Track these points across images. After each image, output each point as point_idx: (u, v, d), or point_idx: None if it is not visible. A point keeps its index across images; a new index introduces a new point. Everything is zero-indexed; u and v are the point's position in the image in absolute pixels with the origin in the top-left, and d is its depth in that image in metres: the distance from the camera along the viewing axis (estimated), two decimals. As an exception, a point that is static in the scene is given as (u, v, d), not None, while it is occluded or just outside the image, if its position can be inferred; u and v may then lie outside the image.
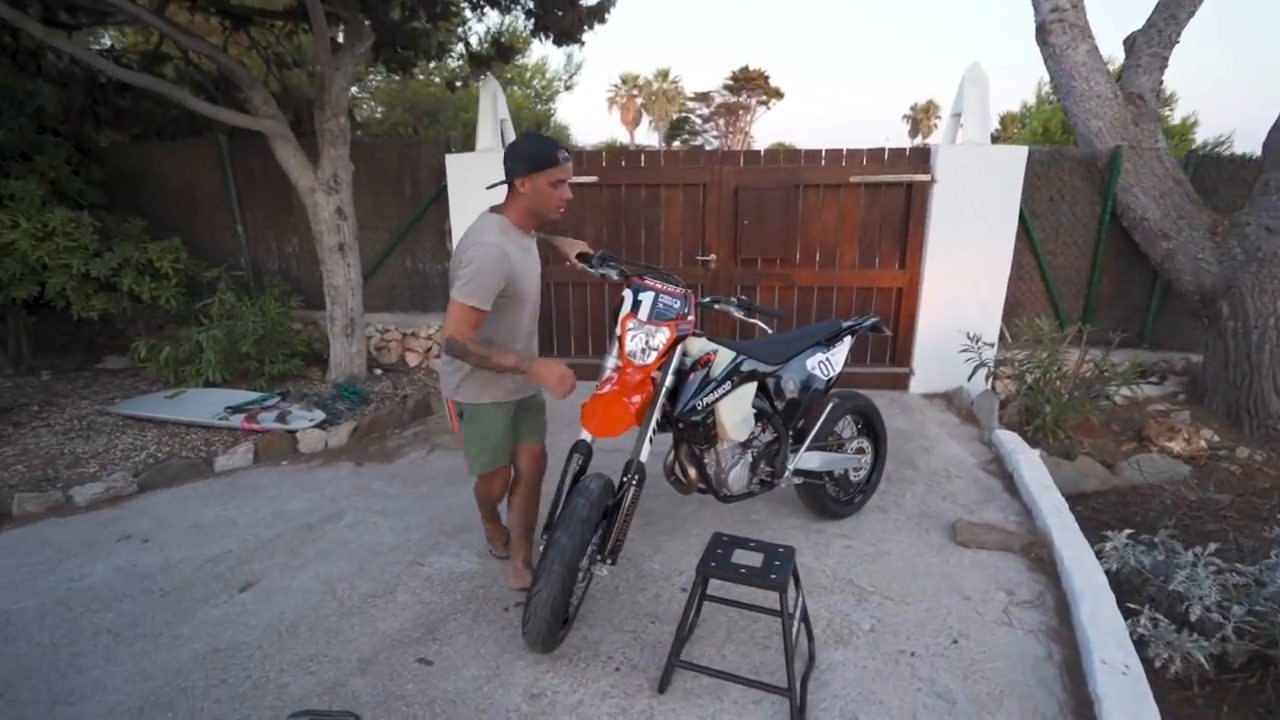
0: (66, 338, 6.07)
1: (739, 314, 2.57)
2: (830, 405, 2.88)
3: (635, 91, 37.11)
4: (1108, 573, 2.56)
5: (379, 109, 14.50)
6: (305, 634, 2.32)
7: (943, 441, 3.98)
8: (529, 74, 16.27)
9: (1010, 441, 3.72)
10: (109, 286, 4.82)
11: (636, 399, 2.27)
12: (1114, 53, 7.13)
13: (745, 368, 2.49)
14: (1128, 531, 2.66)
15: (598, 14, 4.88)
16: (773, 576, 1.84)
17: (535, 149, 2.10)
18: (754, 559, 1.93)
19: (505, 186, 2.17)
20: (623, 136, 35.02)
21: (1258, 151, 4.27)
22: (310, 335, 5.50)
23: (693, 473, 2.63)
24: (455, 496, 3.37)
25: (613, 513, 2.24)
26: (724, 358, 2.46)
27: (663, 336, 2.28)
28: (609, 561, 2.28)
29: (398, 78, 8.64)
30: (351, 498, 3.39)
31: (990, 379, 4.45)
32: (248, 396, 4.41)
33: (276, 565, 2.74)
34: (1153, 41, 4.77)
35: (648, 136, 37.19)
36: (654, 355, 2.28)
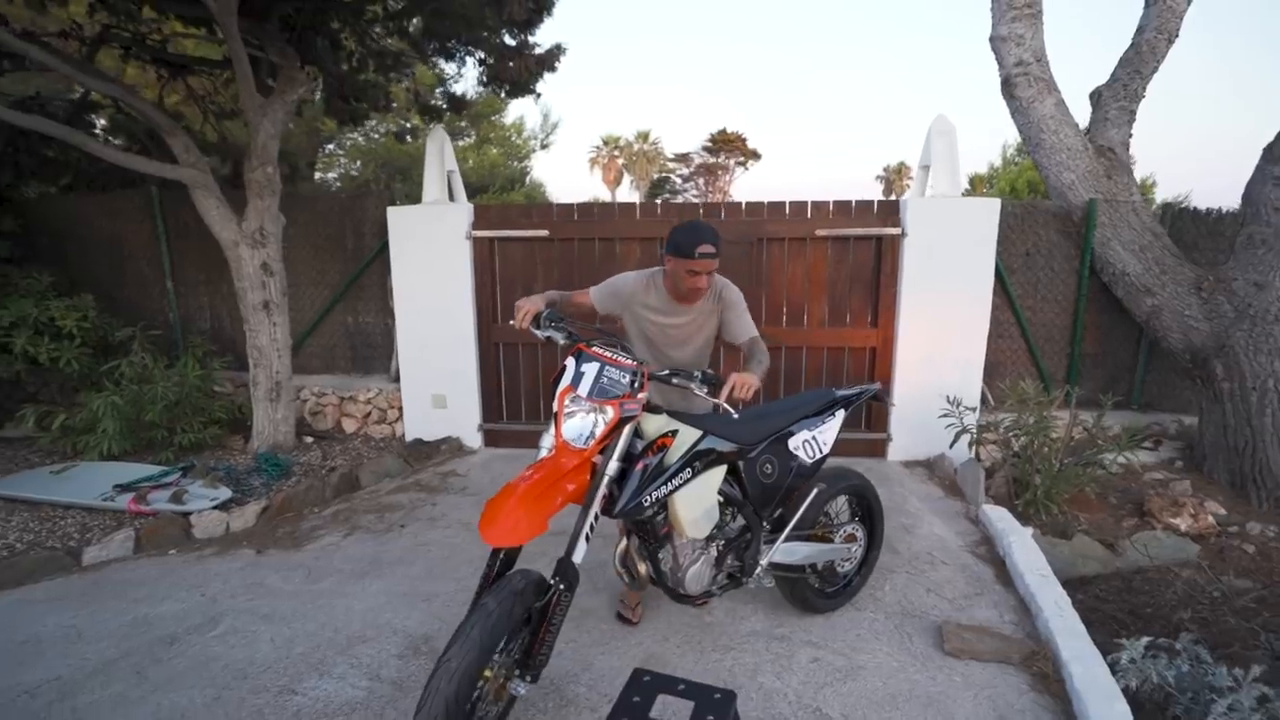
0: (-31, 402, 5.53)
1: (700, 392, 2.08)
2: (815, 490, 2.43)
3: (616, 152, 37.90)
4: (1125, 690, 2.12)
5: (355, 165, 14.44)
6: (113, 803, 1.78)
7: (925, 519, 3.57)
8: (507, 133, 16.44)
9: (1000, 520, 3.32)
10: (0, 348, 4.35)
11: (571, 486, 1.86)
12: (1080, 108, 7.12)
13: (708, 447, 2.08)
14: (1145, 640, 2.24)
15: (547, 63, 4.70)
16: (702, 741, 1.38)
17: (681, 239, 2.25)
18: (681, 711, 1.47)
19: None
20: (605, 196, 35.50)
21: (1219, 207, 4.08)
22: (238, 400, 5.03)
23: (643, 568, 2.20)
24: (360, 595, 2.87)
25: (538, 619, 1.82)
26: (684, 439, 2.05)
27: (605, 417, 1.90)
28: (528, 679, 1.84)
29: (353, 132, 8.45)
30: (236, 597, 2.87)
31: (973, 446, 4.08)
32: (143, 472, 3.89)
33: (110, 697, 2.20)
34: (1119, 96, 4.65)
35: (629, 195, 37.73)
36: (593, 440, 1.89)
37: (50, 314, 4.41)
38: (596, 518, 1.92)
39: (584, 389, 1.93)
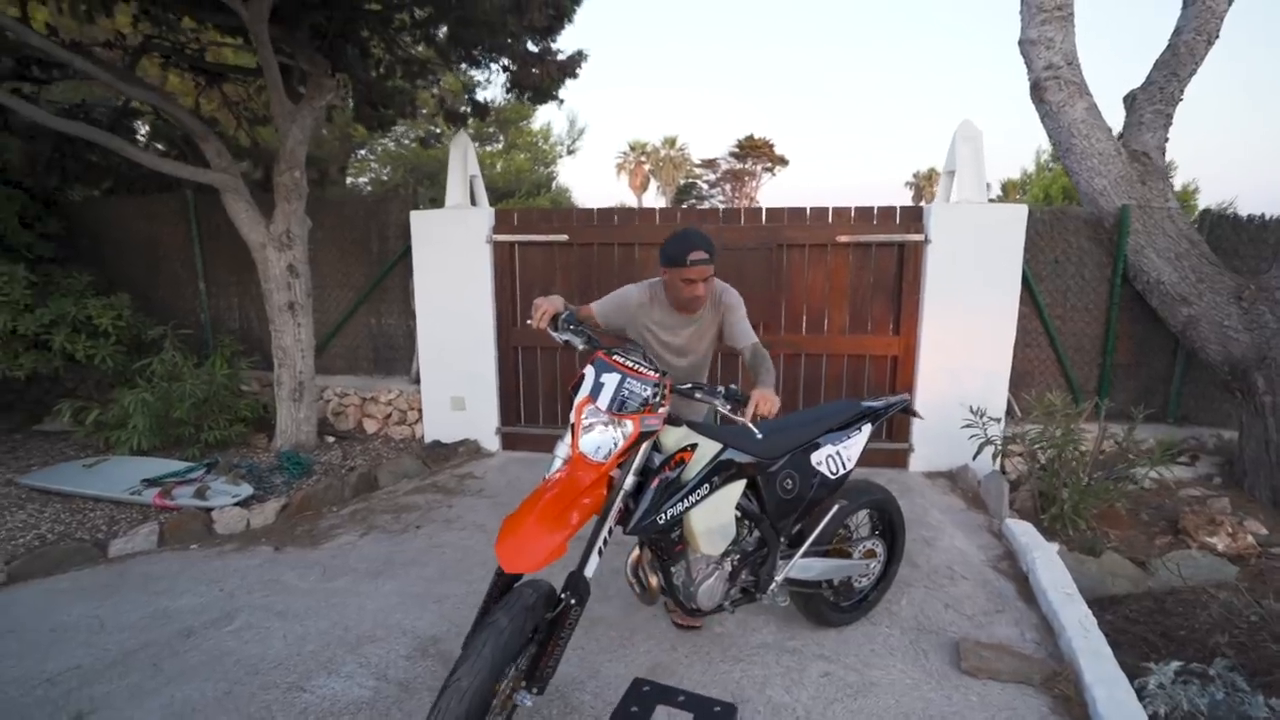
0: (13, 396, 5.74)
1: (724, 409, 2.01)
2: (836, 506, 2.39)
3: (643, 158, 37.99)
4: (1153, 717, 2.03)
5: (385, 170, 14.72)
6: (124, 793, 1.82)
7: (946, 532, 3.47)
8: (534, 138, 16.60)
9: (1024, 534, 3.21)
10: (41, 344, 4.50)
11: (587, 502, 1.82)
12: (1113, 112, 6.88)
13: (728, 459, 2.03)
14: (1176, 664, 2.15)
15: (569, 69, 4.73)
16: (700, 754, 1.35)
17: (673, 249, 2.29)
18: (680, 721, 1.45)
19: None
20: (631, 201, 35.59)
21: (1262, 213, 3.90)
22: (264, 399, 5.13)
23: (654, 581, 2.16)
24: (373, 594, 2.89)
25: (546, 631, 1.79)
26: (703, 453, 2.00)
27: (625, 431, 1.84)
28: (535, 690, 1.81)
29: (383, 138, 8.60)
30: (253, 593, 2.91)
31: (998, 458, 3.97)
32: (169, 467, 3.99)
33: (126, 688, 2.25)
34: (1154, 99, 4.51)
35: (655, 201, 37.78)
36: (612, 455, 1.84)
37: (88, 312, 4.56)
38: (610, 531, 1.88)
39: (604, 401, 1.86)
